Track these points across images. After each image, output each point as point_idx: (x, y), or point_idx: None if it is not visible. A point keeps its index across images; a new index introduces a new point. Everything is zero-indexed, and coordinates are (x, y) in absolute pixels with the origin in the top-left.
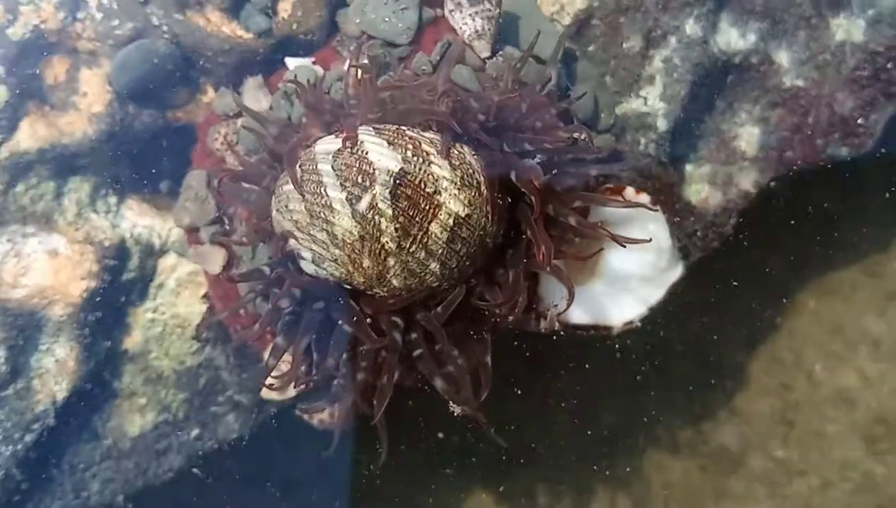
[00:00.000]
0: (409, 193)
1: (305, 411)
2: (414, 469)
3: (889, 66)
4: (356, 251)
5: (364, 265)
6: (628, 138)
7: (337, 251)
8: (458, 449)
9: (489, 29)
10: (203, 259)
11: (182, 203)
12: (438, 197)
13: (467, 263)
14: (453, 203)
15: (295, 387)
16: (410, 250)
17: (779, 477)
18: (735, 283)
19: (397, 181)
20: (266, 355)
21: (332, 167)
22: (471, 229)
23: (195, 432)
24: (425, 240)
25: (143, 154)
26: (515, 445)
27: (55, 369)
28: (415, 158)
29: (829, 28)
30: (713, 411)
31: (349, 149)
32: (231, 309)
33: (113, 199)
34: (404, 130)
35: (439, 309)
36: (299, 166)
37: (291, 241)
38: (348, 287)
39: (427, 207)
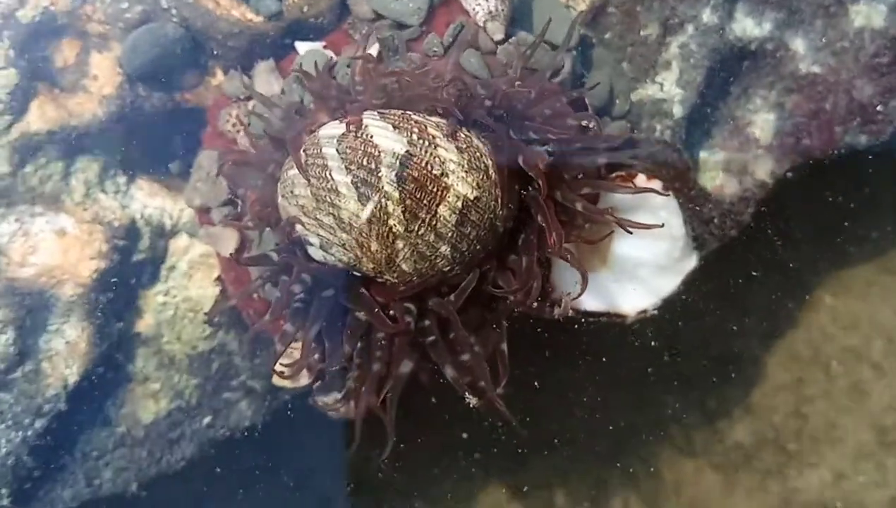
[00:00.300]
0: (416, 175)
1: (324, 407)
2: (428, 462)
3: None
4: (364, 234)
5: (372, 249)
6: (643, 125)
7: (344, 235)
8: (472, 442)
9: (503, 10)
10: (215, 240)
11: (193, 183)
12: (446, 179)
13: (478, 247)
14: (461, 185)
15: (308, 376)
16: (419, 233)
17: (790, 471)
18: (751, 275)
19: (403, 163)
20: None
21: (337, 151)
22: (480, 212)
23: (207, 419)
24: (434, 222)
25: (153, 136)
26: (531, 438)
27: (66, 351)
28: (420, 141)
29: (848, 14)
30: (728, 406)
31: (354, 133)
32: (242, 294)
33: (122, 180)
34: (410, 115)
35: (452, 296)
36: (303, 151)
37: (298, 227)
38: (358, 274)
39: (435, 189)
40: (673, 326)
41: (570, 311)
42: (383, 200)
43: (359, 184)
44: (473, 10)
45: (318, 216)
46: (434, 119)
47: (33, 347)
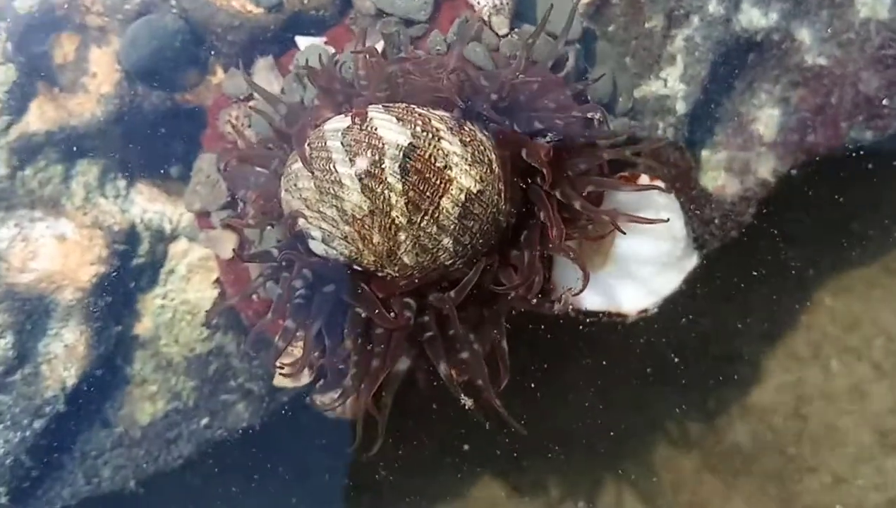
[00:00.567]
0: (419, 167)
1: (322, 406)
2: (425, 462)
3: None
4: (366, 226)
5: (374, 241)
6: (646, 122)
7: (347, 228)
8: (470, 442)
9: (507, 4)
10: (214, 243)
11: (193, 187)
12: (449, 172)
13: (481, 241)
14: (464, 178)
15: (309, 374)
16: (421, 225)
17: (790, 474)
18: (752, 275)
19: (406, 155)
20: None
21: (341, 143)
22: (483, 206)
23: (205, 420)
24: (437, 214)
25: (152, 136)
26: (527, 438)
27: (64, 354)
28: (424, 134)
29: (854, 5)
30: (727, 406)
31: (358, 126)
32: (243, 294)
33: (122, 183)
34: (414, 108)
35: (453, 292)
36: (308, 144)
37: (301, 221)
38: (359, 268)
39: (437, 182)
40: (673, 326)
41: (571, 311)
42: (386, 191)
43: (362, 176)
44: (478, 4)
45: (321, 208)
46: (438, 112)
47: (32, 350)
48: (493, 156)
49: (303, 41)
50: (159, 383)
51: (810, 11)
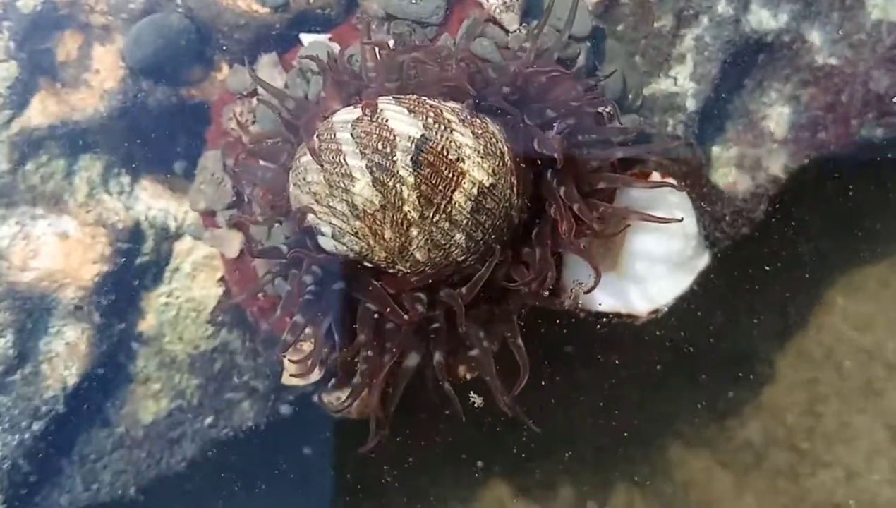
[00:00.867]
0: (432, 160)
1: (329, 406)
2: (431, 463)
3: None
4: (378, 222)
5: (386, 236)
6: (656, 119)
7: (357, 223)
8: (477, 441)
9: (517, 0)
10: (220, 242)
11: (197, 185)
12: (462, 164)
13: (493, 237)
14: (477, 171)
15: (319, 372)
16: (434, 220)
17: (803, 470)
18: (763, 274)
19: (419, 147)
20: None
21: (352, 135)
22: (496, 200)
23: (209, 419)
24: (449, 209)
25: (157, 132)
26: (535, 438)
27: (65, 353)
28: (436, 125)
29: (865, 7)
30: (738, 406)
31: (369, 117)
32: (250, 292)
33: (126, 179)
34: (425, 99)
35: (464, 289)
36: (317, 136)
37: (310, 216)
38: (369, 265)
39: (450, 175)
40: (684, 325)
41: (582, 313)
42: (398, 185)
43: (373, 169)
44: (487, 1)
45: (331, 203)
46: (450, 104)
47: (33, 349)
48: (506, 149)
49: (307, 38)
50: (163, 381)
51: (821, 12)
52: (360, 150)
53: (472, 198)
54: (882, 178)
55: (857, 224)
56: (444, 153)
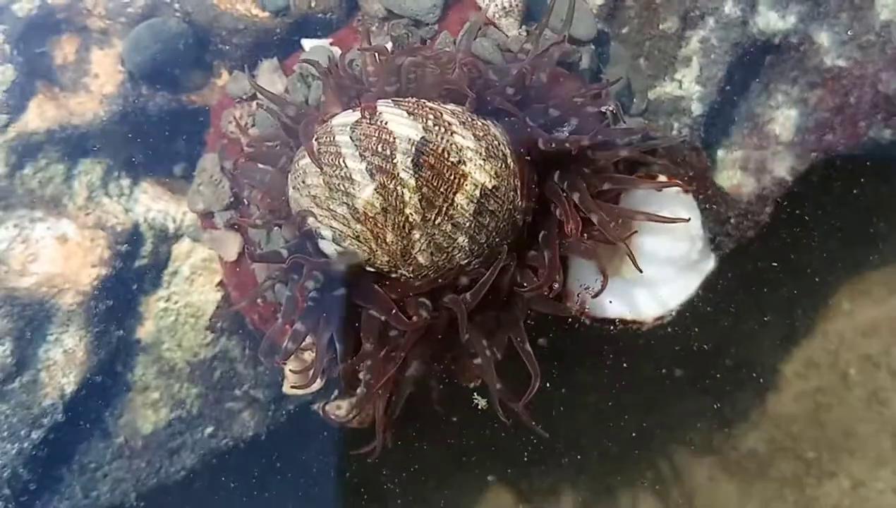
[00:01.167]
0: (432, 162)
1: (337, 419)
2: (433, 469)
3: None
4: (379, 225)
5: (387, 240)
6: (661, 123)
7: (358, 226)
8: (480, 447)
9: (517, 5)
10: (218, 244)
11: (196, 187)
12: (463, 167)
13: (497, 240)
14: (479, 173)
15: (321, 381)
16: (436, 222)
17: (808, 479)
18: (768, 278)
19: (419, 149)
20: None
21: (351, 138)
22: (499, 202)
23: (209, 429)
24: (451, 211)
25: (156, 136)
26: (539, 444)
27: (63, 360)
28: (436, 128)
29: (874, 8)
30: (743, 413)
31: (368, 120)
32: (249, 298)
33: (126, 182)
34: (424, 102)
35: (468, 295)
36: (316, 140)
37: (310, 220)
38: (371, 269)
39: (451, 177)
40: (689, 331)
41: (587, 320)
42: (398, 187)
43: (373, 172)
44: (486, 5)
45: (331, 206)
46: (450, 106)
47: (31, 357)
48: (508, 151)
49: (307, 43)
50: (162, 390)
51: (829, 13)
52: (360, 153)
53: (475, 201)
54: (890, 181)
55: (864, 227)
56: (445, 155)
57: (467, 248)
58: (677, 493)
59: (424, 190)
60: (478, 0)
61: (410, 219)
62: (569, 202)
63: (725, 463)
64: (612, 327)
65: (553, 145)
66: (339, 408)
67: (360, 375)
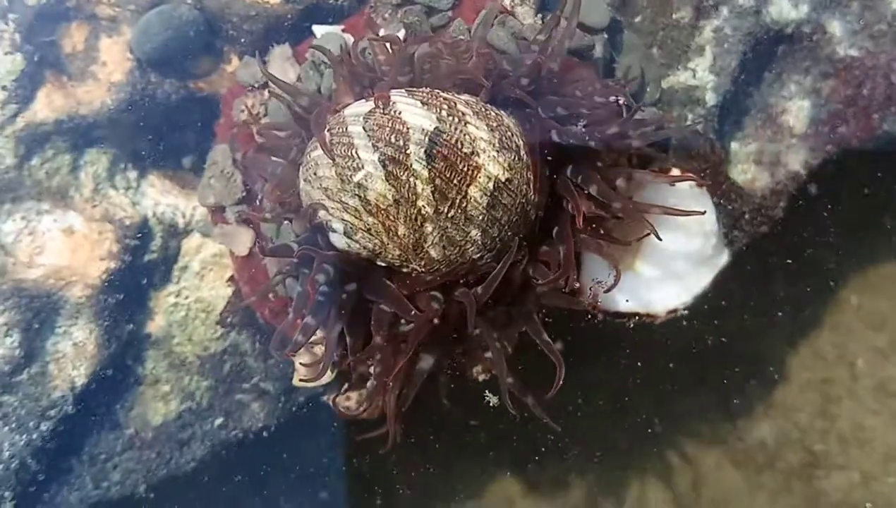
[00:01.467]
0: (446, 153)
1: (347, 413)
2: (440, 460)
3: None
4: (391, 217)
5: (399, 233)
6: (674, 113)
7: (370, 219)
8: (488, 440)
9: None
10: (229, 239)
11: (206, 181)
12: (476, 158)
13: (509, 233)
14: (492, 165)
15: (331, 374)
16: (449, 215)
17: (817, 471)
18: (778, 271)
19: (432, 140)
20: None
21: (364, 128)
22: (512, 195)
23: (219, 421)
24: (464, 204)
25: (165, 126)
26: (546, 435)
27: (73, 353)
28: (450, 118)
29: None
30: (751, 405)
31: (381, 110)
32: (260, 293)
33: (133, 174)
34: (438, 92)
35: (479, 288)
36: (328, 130)
37: (321, 213)
38: (382, 264)
39: (465, 169)
40: (699, 324)
41: (600, 313)
42: (411, 179)
43: (386, 163)
44: None
45: (342, 198)
46: (464, 96)
47: (40, 349)
48: (522, 143)
49: (319, 30)
50: (172, 382)
51: (841, 3)
52: (373, 144)
53: (488, 193)
54: None
55: (875, 220)
56: (459, 146)
57: (480, 242)
58: (685, 484)
59: (437, 181)
60: None
61: (423, 212)
62: (580, 196)
63: (733, 455)
64: (625, 320)
65: (567, 138)
66: (349, 400)
67: (371, 369)
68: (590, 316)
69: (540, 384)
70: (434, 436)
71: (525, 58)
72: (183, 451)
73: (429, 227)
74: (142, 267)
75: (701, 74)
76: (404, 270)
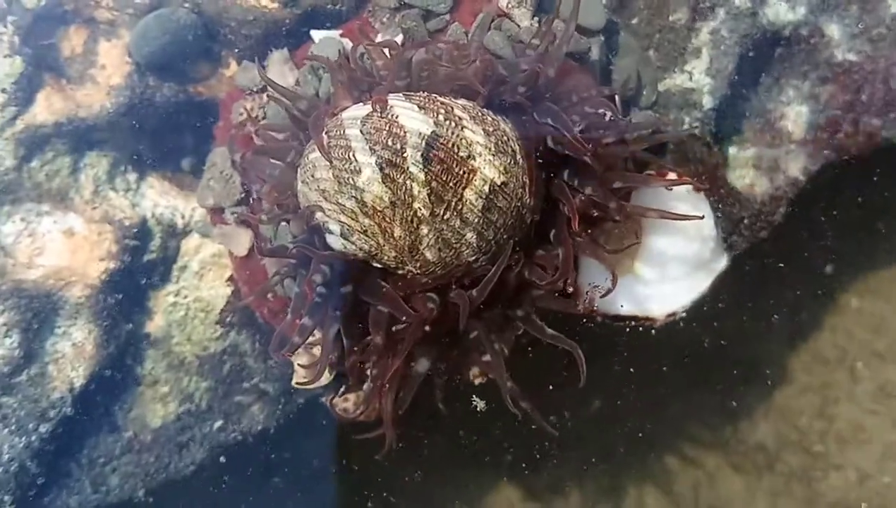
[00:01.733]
0: (442, 156)
1: (344, 414)
2: (438, 464)
3: None
4: (387, 219)
5: (395, 235)
6: (671, 117)
7: (367, 221)
8: (484, 444)
9: None
10: (228, 240)
11: (206, 182)
12: (472, 162)
13: (505, 237)
14: (488, 169)
15: (329, 375)
16: (444, 217)
17: (816, 473)
18: (777, 274)
19: (429, 144)
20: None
21: (361, 131)
22: (508, 199)
23: (219, 423)
24: (460, 207)
25: (163, 129)
26: (545, 440)
27: (72, 353)
28: (447, 122)
29: (885, 0)
30: (749, 407)
31: (378, 113)
32: (258, 292)
33: (133, 176)
34: (436, 96)
35: (474, 291)
36: (326, 133)
37: (318, 215)
38: (378, 265)
39: (461, 172)
40: (698, 328)
41: (599, 317)
42: (407, 181)
43: (383, 166)
44: None
45: (339, 200)
46: (461, 101)
47: (39, 350)
48: (517, 148)
49: (318, 35)
50: (171, 383)
51: (839, 6)
52: (370, 146)
53: (484, 196)
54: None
55: (872, 225)
56: (455, 150)
57: (475, 245)
58: (684, 487)
59: (433, 184)
60: None
61: (419, 214)
62: (575, 199)
63: (732, 458)
64: (623, 324)
65: (561, 146)
66: (347, 402)
67: (367, 370)
68: (586, 320)
69: (533, 389)
70: (432, 440)
71: (521, 62)
72: (182, 454)
73: (424, 229)
74: (141, 268)
75: (697, 77)
76: (400, 272)
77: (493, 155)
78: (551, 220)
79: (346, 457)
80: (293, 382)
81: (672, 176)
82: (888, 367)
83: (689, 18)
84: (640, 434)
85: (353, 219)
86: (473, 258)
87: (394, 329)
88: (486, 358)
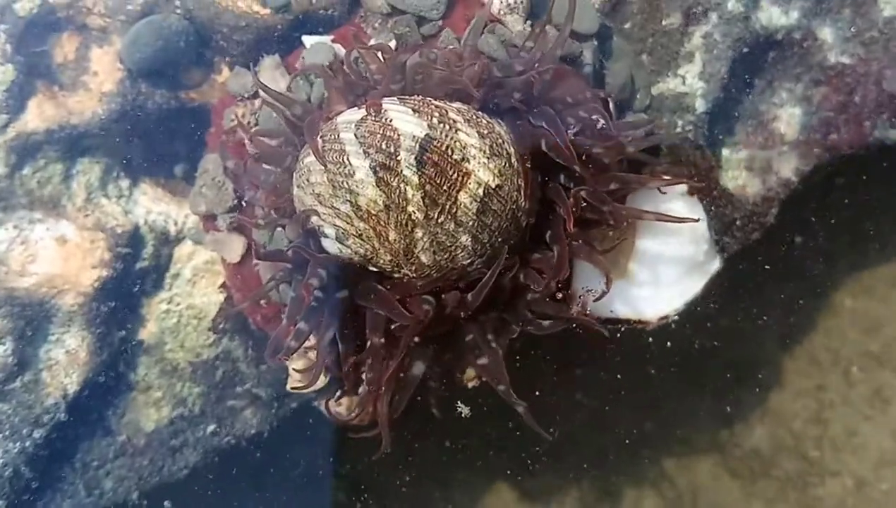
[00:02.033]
0: (436, 159)
1: (339, 417)
2: (434, 468)
3: None
4: (381, 222)
5: (390, 238)
6: (664, 120)
7: (362, 224)
8: (481, 447)
9: (521, 1)
10: (221, 246)
11: (198, 189)
12: (467, 164)
13: (500, 240)
14: (483, 172)
15: (324, 379)
16: (439, 221)
17: (811, 478)
18: (771, 277)
19: (423, 147)
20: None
21: (355, 135)
22: (502, 202)
23: (212, 427)
24: (454, 210)
25: (156, 136)
26: (541, 443)
27: (66, 360)
28: (441, 125)
29: (877, 4)
30: (744, 411)
31: (372, 117)
32: (252, 298)
33: (125, 183)
34: (430, 100)
35: (470, 295)
36: (320, 137)
37: (314, 219)
38: (374, 269)
39: (455, 175)
40: (692, 330)
41: (589, 308)
42: (402, 185)
43: (377, 169)
44: (491, 1)
45: (334, 204)
46: (455, 104)
47: (33, 357)
48: (512, 151)
49: (309, 40)
50: (164, 389)
51: (832, 9)
52: (364, 150)
53: (478, 200)
54: (892, 179)
55: (866, 226)
56: (449, 153)
57: (470, 248)
58: (680, 492)
59: (428, 187)
60: None
61: (413, 217)
62: (567, 200)
63: (728, 462)
64: (616, 327)
65: (554, 152)
66: (341, 405)
67: (363, 374)
68: (580, 324)
69: (521, 396)
70: (427, 443)
71: (516, 63)
72: (175, 458)
73: (419, 233)
74: (134, 275)
75: (690, 81)
76: (395, 276)
77: (488, 158)
78: (546, 223)
79: (339, 461)
80: (288, 386)
81: (666, 177)
82: (883, 371)
83: (682, 23)
84: (636, 438)
85: (348, 223)
86: (469, 261)
87: (392, 328)
88: (483, 360)
